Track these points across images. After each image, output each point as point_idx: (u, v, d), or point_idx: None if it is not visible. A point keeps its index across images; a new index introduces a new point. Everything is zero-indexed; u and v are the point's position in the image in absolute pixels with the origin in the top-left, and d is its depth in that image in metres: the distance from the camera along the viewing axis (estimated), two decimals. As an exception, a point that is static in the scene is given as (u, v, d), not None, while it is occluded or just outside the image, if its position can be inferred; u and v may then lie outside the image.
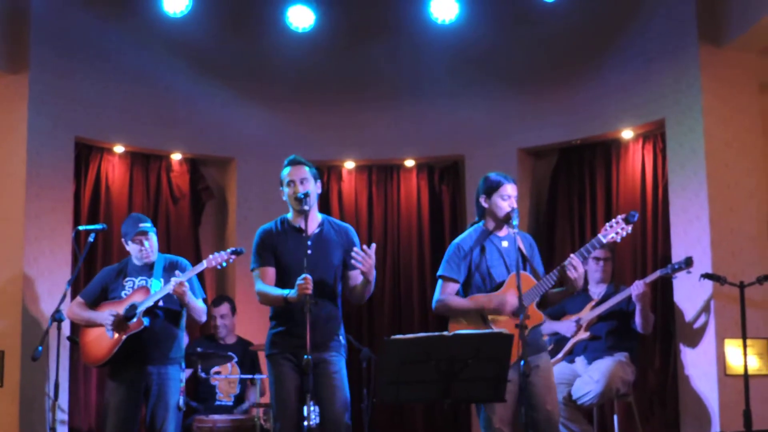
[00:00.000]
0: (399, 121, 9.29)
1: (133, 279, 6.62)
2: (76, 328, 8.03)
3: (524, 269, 5.74)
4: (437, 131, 9.22)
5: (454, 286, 5.80)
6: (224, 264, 6.52)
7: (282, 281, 5.58)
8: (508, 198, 5.76)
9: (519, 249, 5.63)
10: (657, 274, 7.23)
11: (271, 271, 5.62)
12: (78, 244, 7.41)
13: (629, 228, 5.69)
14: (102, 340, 6.45)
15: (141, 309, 6.37)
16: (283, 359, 5.49)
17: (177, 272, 6.48)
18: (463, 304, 5.77)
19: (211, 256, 6.48)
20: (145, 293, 6.46)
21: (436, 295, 5.82)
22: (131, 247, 6.69)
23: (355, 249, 5.41)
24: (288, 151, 9.33)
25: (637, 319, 7.23)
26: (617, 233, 5.66)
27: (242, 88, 9.15)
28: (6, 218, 7.87)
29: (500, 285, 5.70)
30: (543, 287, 5.61)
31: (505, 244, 5.79)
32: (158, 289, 6.45)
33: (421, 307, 9.30)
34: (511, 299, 5.58)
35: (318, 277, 5.40)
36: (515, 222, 5.61)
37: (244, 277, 8.74)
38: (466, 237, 5.86)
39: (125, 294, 6.54)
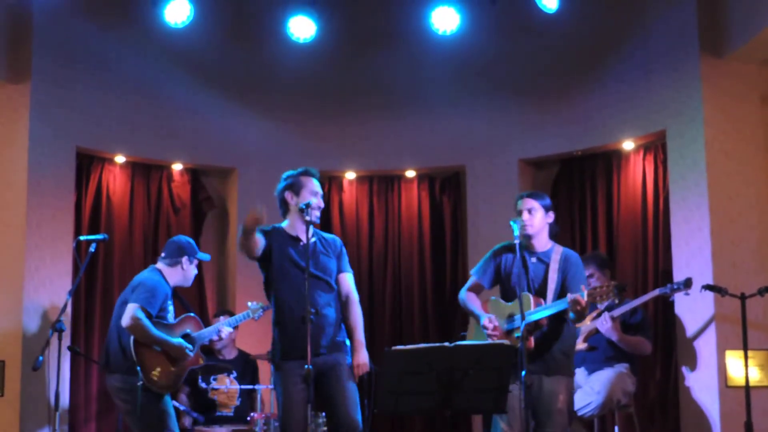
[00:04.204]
0: (400, 132, 9.29)
1: (171, 302, 6.65)
2: (77, 338, 8.04)
3: (543, 289, 5.85)
4: (438, 142, 9.22)
5: (478, 287, 6.10)
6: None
7: (279, 285, 5.69)
8: (519, 214, 5.96)
9: (525, 267, 5.87)
10: (656, 293, 7.20)
11: (261, 241, 5.73)
12: (79, 254, 7.42)
13: (614, 300, 5.57)
14: (169, 368, 6.47)
15: (199, 344, 6.64)
16: (291, 366, 5.54)
17: (222, 318, 7.09)
18: (470, 307, 6.07)
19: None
20: (196, 324, 6.66)
21: (462, 288, 6.20)
22: (190, 268, 6.74)
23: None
24: (289, 161, 9.36)
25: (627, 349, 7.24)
26: (600, 297, 5.49)
27: (243, 98, 9.16)
28: (7, 227, 7.87)
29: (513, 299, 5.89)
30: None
31: (534, 260, 5.94)
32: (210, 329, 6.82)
33: (422, 318, 9.30)
34: (489, 323, 5.86)
35: (315, 285, 5.57)
36: (515, 234, 5.76)
37: (243, 289, 8.76)
38: (506, 244, 6.01)
39: (170, 317, 6.57)
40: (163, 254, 6.76)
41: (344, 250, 5.91)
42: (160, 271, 6.65)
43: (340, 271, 5.83)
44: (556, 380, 5.76)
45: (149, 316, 6.33)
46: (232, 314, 8.14)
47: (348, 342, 5.76)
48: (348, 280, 5.85)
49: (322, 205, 5.80)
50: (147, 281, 6.49)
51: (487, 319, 5.89)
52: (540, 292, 5.86)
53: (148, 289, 6.40)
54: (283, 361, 5.61)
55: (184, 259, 6.72)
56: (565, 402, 5.79)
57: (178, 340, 6.45)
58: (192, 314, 6.74)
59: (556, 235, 6.09)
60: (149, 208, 8.98)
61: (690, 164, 7.70)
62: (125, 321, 6.27)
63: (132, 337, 6.28)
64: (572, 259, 5.94)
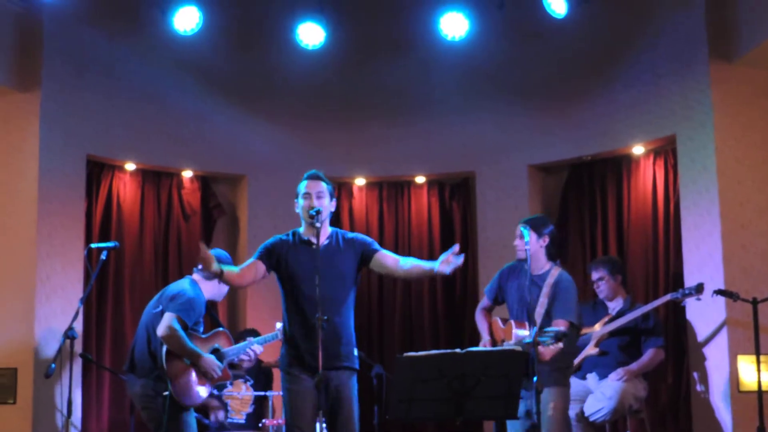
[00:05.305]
0: (409, 138, 9.30)
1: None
2: (89, 345, 8.05)
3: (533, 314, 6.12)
4: (448, 148, 9.23)
5: (489, 305, 6.60)
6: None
7: (291, 291, 5.58)
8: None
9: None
10: (667, 298, 7.20)
11: (260, 267, 5.60)
12: (90, 262, 7.44)
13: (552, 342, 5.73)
14: (197, 382, 6.44)
15: (227, 360, 6.60)
16: (299, 374, 5.46)
17: (251, 338, 6.96)
18: (478, 327, 6.54)
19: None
20: (226, 340, 6.63)
21: (478, 306, 6.70)
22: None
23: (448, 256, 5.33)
24: (299, 167, 9.31)
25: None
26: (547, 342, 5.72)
27: (253, 105, 9.17)
28: (18, 236, 7.90)
29: (506, 320, 6.35)
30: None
31: (529, 283, 6.13)
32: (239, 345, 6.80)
33: (432, 324, 9.29)
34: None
35: (327, 289, 5.35)
36: (526, 239, 5.99)
37: (254, 303, 8.81)
38: (510, 264, 6.46)
39: (202, 330, 6.55)
40: (200, 266, 6.71)
41: (369, 239, 5.72)
42: (197, 283, 6.62)
43: (373, 253, 5.62)
44: (548, 390, 5.92)
45: (185, 327, 6.32)
46: (257, 335, 8.11)
47: (356, 352, 5.61)
48: (385, 253, 5.65)
49: (315, 204, 5.52)
50: (186, 292, 6.43)
51: (482, 344, 6.38)
52: (530, 316, 6.09)
53: (188, 301, 6.36)
54: (290, 368, 5.52)
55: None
56: (556, 409, 6.00)
57: (210, 356, 6.44)
58: (222, 329, 6.72)
59: (553, 254, 6.36)
60: (159, 215, 9.00)
61: (700, 169, 7.69)
62: (161, 330, 6.23)
63: (165, 347, 6.26)
64: (562, 284, 6.19)
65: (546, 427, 5.94)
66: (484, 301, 6.64)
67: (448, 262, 5.30)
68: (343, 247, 5.65)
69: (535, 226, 6.27)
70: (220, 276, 5.43)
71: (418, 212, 9.54)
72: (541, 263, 6.28)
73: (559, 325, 5.95)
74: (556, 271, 6.25)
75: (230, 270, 5.55)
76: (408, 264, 5.58)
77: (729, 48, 7.64)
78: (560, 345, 5.88)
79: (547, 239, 6.31)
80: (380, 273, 5.86)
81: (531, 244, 6.12)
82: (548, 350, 5.69)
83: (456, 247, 5.30)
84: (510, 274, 6.44)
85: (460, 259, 5.29)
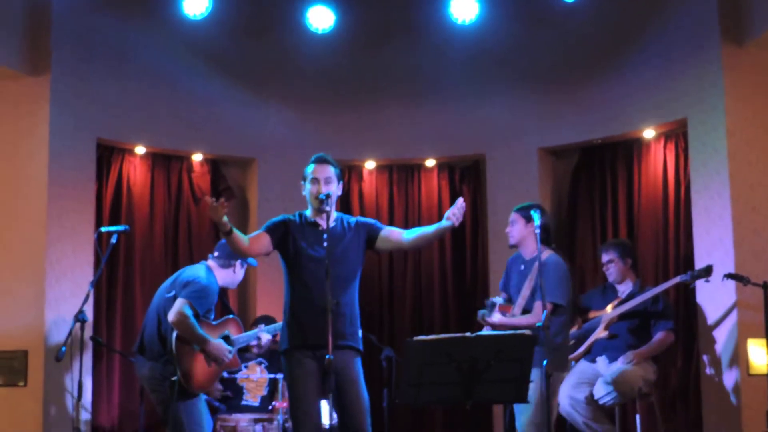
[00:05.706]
0: (419, 121, 9.28)
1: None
2: (99, 329, 8.07)
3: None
4: (458, 131, 9.21)
5: (505, 295, 6.76)
6: None
7: (296, 272, 5.53)
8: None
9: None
10: (676, 280, 7.18)
11: (267, 240, 5.57)
12: (100, 245, 7.45)
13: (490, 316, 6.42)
14: (206, 368, 6.45)
15: (237, 348, 6.62)
16: (301, 356, 5.42)
17: (262, 326, 7.08)
18: None
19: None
20: (236, 327, 6.64)
21: None
22: (240, 272, 6.74)
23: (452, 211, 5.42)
24: (309, 151, 9.33)
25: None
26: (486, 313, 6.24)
27: (263, 88, 9.17)
28: (28, 219, 7.91)
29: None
30: None
31: (522, 268, 6.48)
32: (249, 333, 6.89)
33: (442, 308, 9.29)
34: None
35: (335, 271, 5.31)
36: (536, 224, 6.12)
37: (265, 289, 8.83)
38: (516, 254, 6.70)
39: (212, 317, 6.56)
40: (216, 253, 6.70)
41: (372, 220, 5.74)
42: (212, 270, 6.63)
43: (378, 231, 5.61)
44: (534, 372, 5.81)
45: (196, 314, 6.32)
46: (271, 321, 8.12)
47: (360, 333, 5.57)
48: (390, 229, 5.66)
49: (323, 190, 5.49)
50: (201, 280, 6.42)
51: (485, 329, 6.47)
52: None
53: (201, 288, 6.36)
54: (293, 350, 5.45)
55: (238, 262, 6.67)
56: (535, 392, 5.87)
57: (219, 341, 6.44)
58: (233, 316, 6.72)
59: (545, 239, 6.35)
60: (169, 198, 9.01)
61: (711, 153, 7.66)
62: (172, 316, 6.24)
63: (175, 332, 6.28)
64: (547, 267, 6.24)
65: (523, 406, 5.98)
66: (502, 294, 6.80)
67: (454, 215, 5.38)
68: (349, 230, 5.63)
69: (525, 212, 6.44)
70: (229, 234, 5.35)
71: (428, 195, 9.53)
72: (530, 248, 6.42)
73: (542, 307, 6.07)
74: (545, 255, 6.31)
75: (239, 234, 5.49)
76: (413, 233, 5.61)
77: (741, 31, 7.60)
78: (498, 315, 6.35)
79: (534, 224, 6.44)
80: (389, 250, 5.97)
81: (519, 230, 6.48)
82: (494, 319, 6.25)
83: (461, 200, 5.41)
84: (513, 264, 6.67)
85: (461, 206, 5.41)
